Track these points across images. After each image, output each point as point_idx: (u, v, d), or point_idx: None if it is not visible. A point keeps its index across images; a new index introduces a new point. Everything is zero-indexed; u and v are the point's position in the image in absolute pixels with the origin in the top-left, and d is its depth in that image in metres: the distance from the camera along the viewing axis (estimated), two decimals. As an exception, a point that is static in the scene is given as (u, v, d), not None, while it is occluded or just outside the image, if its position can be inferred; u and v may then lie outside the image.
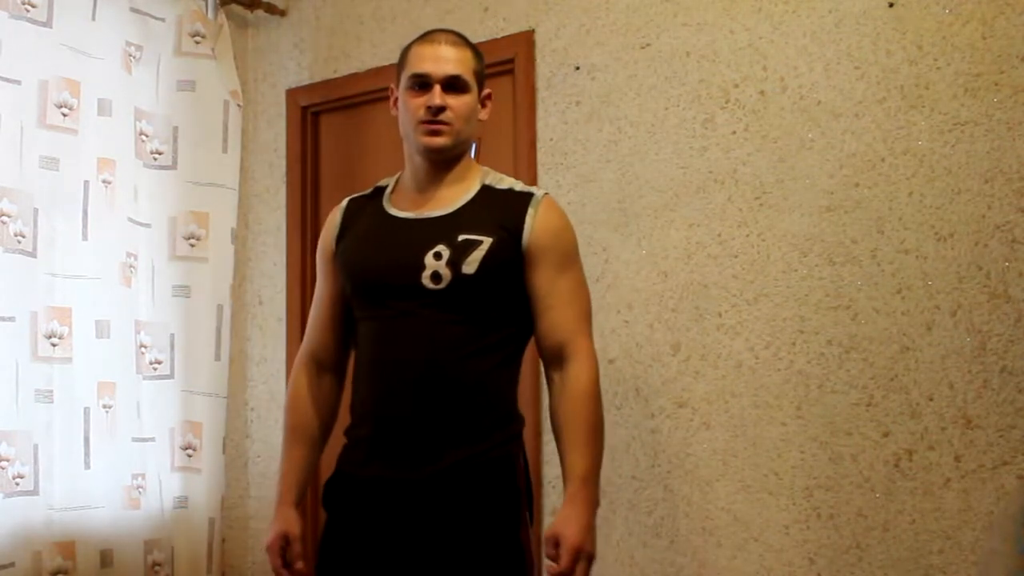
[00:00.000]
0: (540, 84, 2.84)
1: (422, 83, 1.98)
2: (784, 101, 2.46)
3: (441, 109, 1.96)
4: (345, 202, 2.16)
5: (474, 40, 2.93)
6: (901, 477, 2.26)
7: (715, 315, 2.51)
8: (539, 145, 2.83)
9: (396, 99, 2.06)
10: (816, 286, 2.39)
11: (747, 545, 2.43)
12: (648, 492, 2.58)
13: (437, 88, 1.97)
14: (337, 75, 3.28)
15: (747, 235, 2.48)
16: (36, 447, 2.65)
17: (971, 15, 2.25)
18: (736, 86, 2.53)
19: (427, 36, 2.05)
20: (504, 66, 2.90)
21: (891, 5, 2.34)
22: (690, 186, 2.57)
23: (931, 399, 2.24)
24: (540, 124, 2.83)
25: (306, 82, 3.36)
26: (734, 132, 2.52)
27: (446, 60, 1.99)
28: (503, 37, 2.91)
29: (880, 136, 2.33)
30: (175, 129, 3.10)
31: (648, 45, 2.67)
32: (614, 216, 2.68)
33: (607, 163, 2.71)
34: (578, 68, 2.78)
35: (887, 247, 2.31)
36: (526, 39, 2.87)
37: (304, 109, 3.35)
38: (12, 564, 2.58)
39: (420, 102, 1.98)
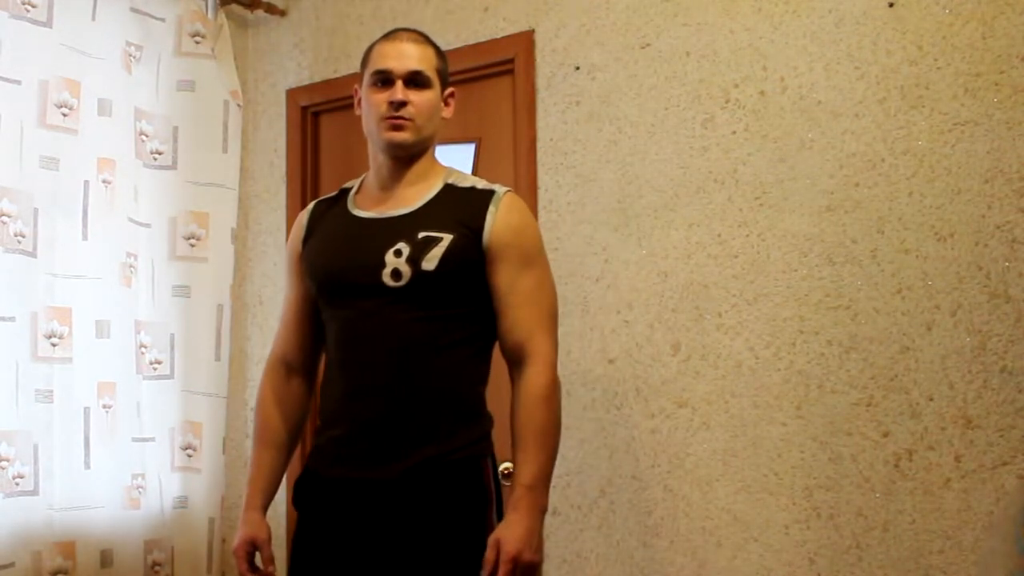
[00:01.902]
0: (540, 84, 2.84)
1: (384, 79, 2.00)
2: (784, 101, 2.46)
3: (403, 104, 1.97)
4: (312, 205, 2.18)
5: (474, 40, 2.96)
6: (901, 477, 2.26)
7: (715, 315, 2.51)
8: (539, 145, 2.83)
9: (360, 99, 2.07)
10: (816, 286, 2.39)
11: (747, 545, 2.43)
12: (648, 492, 2.58)
13: (399, 84, 1.98)
14: (337, 75, 3.28)
15: (747, 235, 2.48)
16: (36, 447, 2.65)
17: (971, 15, 2.25)
18: (736, 86, 2.53)
19: (389, 35, 2.06)
20: (504, 66, 2.90)
21: (891, 5, 2.34)
22: (690, 186, 2.57)
23: (931, 399, 2.24)
24: (540, 124, 2.83)
25: (306, 82, 3.36)
26: (734, 132, 2.52)
27: (408, 56, 2.00)
28: (503, 37, 2.91)
29: (880, 136, 2.33)
30: (175, 129, 3.10)
31: (648, 45, 2.67)
32: (614, 216, 2.68)
33: (607, 163, 2.71)
34: (578, 68, 2.78)
35: (887, 247, 2.31)
36: (526, 39, 2.86)
37: (304, 109, 3.35)
38: (12, 564, 2.58)
39: (382, 98, 1.99)
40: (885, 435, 2.28)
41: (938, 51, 2.28)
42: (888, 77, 2.33)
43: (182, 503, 3.01)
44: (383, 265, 1.93)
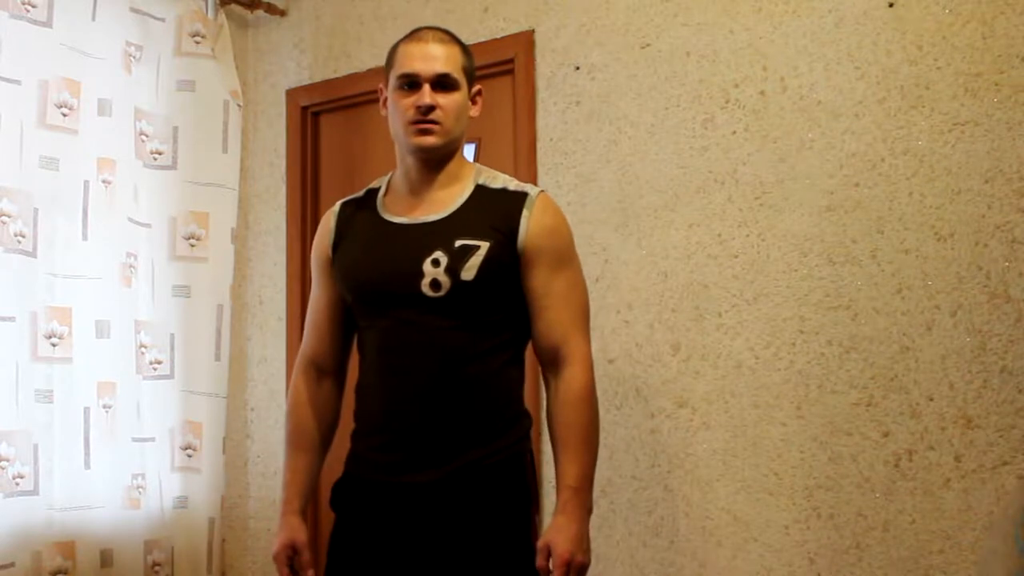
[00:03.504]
0: (540, 84, 2.84)
1: (411, 83, 1.97)
2: (784, 101, 2.46)
3: (431, 108, 1.94)
4: (338, 206, 2.14)
5: (474, 40, 2.96)
6: (901, 477, 2.26)
7: (715, 315, 2.51)
8: (539, 145, 2.83)
9: (386, 99, 2.04)
10: (816, 286, 2.39)
11: (747, 545, 2.43)
12: (648, 492, 2.58)
13: (426, 87, 1.95)
14: (337, 75, 3.28)
15: (747, 235, 2.48)
16: (36, 447, 2.65)
17: (971, 15, 2.25)
18: (736, 86, 2.53)
19: (414, 34, 2.02)
20: (504, 66, 2.90)
21: (891, 5, 2.34)
22: (690, 186, 2.57)
23: (931, 399, 2.24)
24: (540, 124, 2.83)
25: (306, 82, 3.36)
26: (734, 132, 2.52)
27: (434, 58, 1.96)
28: (503, 37, 2.91)
29: (880, 136, 2.33)
30: (175, 129, 3.10)
31: (648, 45, 2.67)
32: (614, 216, 2.68)
33: (607, 163, 2.71)
34: (578, 68, 2.78)
35: (887, 247, 2.31)
36: (526, 39, 2.87)
37: (304, 109, 3.35)
38: (12, 564, 2.58)
39: (410, 102, 1.96)
40: (885, 435, 2.28)
41: (938, 51, 2.28)
42: (888, 77, 2.33)
43: (182, 503, 3.01)
44: (421, 275, 1.92)
